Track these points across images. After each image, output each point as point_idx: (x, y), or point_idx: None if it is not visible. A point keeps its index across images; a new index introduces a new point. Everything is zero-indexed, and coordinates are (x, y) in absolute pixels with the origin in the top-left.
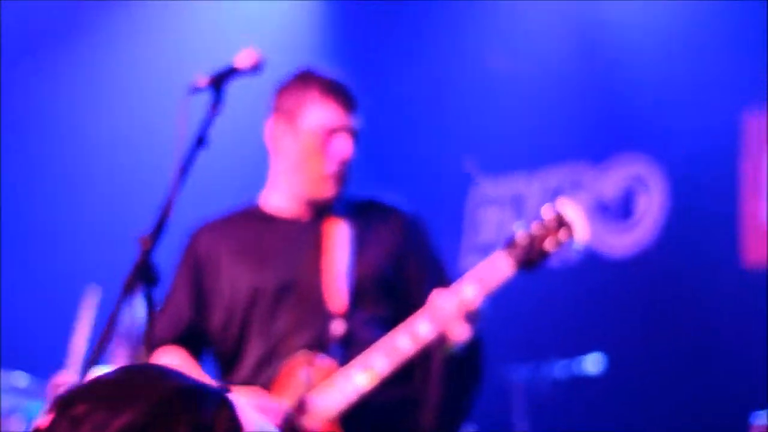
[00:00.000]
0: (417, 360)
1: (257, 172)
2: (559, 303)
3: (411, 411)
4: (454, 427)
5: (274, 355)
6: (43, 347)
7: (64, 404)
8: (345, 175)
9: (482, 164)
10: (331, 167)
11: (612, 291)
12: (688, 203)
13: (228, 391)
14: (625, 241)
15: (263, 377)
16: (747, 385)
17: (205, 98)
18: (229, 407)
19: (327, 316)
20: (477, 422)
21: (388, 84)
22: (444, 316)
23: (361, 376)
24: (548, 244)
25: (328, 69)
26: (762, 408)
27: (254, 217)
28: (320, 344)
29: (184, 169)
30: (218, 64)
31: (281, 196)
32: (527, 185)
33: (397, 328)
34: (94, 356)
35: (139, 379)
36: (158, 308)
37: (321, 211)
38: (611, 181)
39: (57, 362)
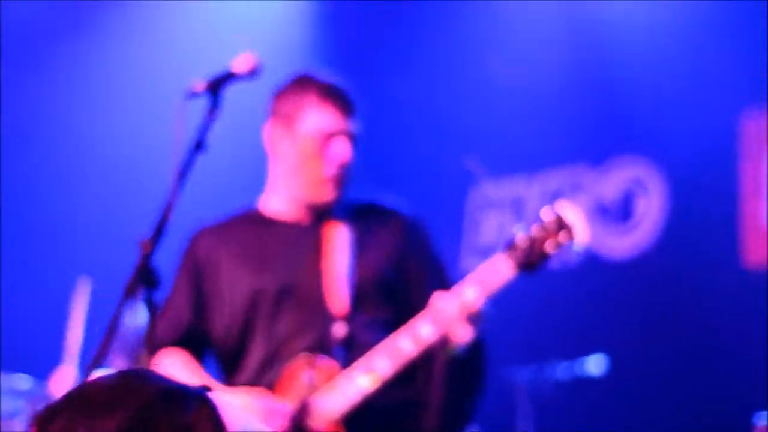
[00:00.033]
0: (419, 362)
1: (256, 175)
2: (561, 305)
3: (414, 413)
4: (457, 429)
5: (276, 358)
6: (40, 346)
7: (44, 420)
8: (344, 178)
9: (482, 166)
10: (330, 171)
11: (612, 293)
12: (687, 205)
13: (208, 390)
14: (625, 243)
15: (266, 380)
16: (748, 386)
17: (201, 102)
18: (209, 406)
19: (328, 319)
20: (480, 424)
21: (388, 86)
22: (446, 318)
23: (363, 379)
24: (548, 247)
25: (325, 73)
26: (764, 408)
27: (254, 221)
28: (322, 347)
29: (183, 173)
30: (215, 65)
31: (280, 200)
32: (527, 188)
33: (399, 330)
34: (96, 360)
35: (118, 387)
36: (158, 311)
37: (321, 214)
38: (611, 183)
39: (55, 359)
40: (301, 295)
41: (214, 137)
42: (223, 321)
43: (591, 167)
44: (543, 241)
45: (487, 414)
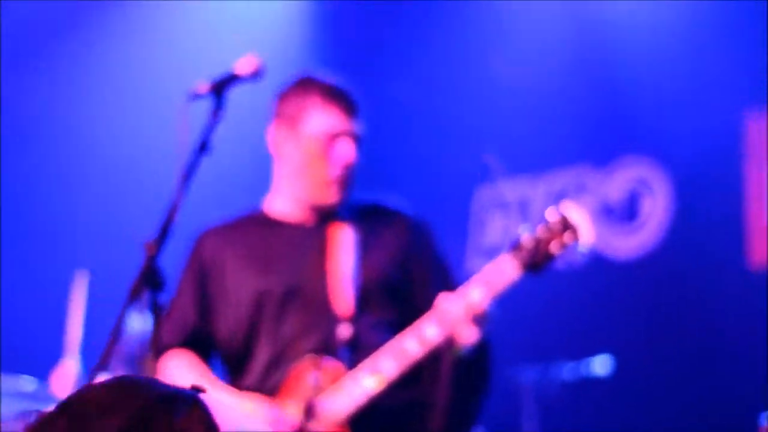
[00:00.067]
0: (425, 363)
1: (261, 177)
2: (566, 305)
3: (420, 414)
4: (462, 430)
5: (281, 359)
6: (40, 345)
7: (40, 427)
8: (349, 179)
9: (487, 168)
10: (334, 172)
11: (618, 293)
12: (692, 205)
13: (201, 392)
14: (630, 244)
15: (271, 381)
16: (754, 386)
17: (205, 103)
18: (201, 409)
19: (333, 320)
20: (486, 424)
21: (391, 86)
22: (451, 319)
23: (369, 380)
24: (553, 247)
25: (329, 74)
26: None
27: (259, 222)
28: (327, 348)
29: (188, 175)
30: (216, 65)
31: (285, 201)
32: (532, 188)
33: (404, 331)
34: (100, 364)
35: (111, 392)
36: (164, 313)
37: (325, 215)
38: (616, 183)
39: (55, 357)
40: (306, 296)
41: (218, 139)
42: (228, 322)
43: (596, 168)
44: (548, 241)
45: (493, 414)
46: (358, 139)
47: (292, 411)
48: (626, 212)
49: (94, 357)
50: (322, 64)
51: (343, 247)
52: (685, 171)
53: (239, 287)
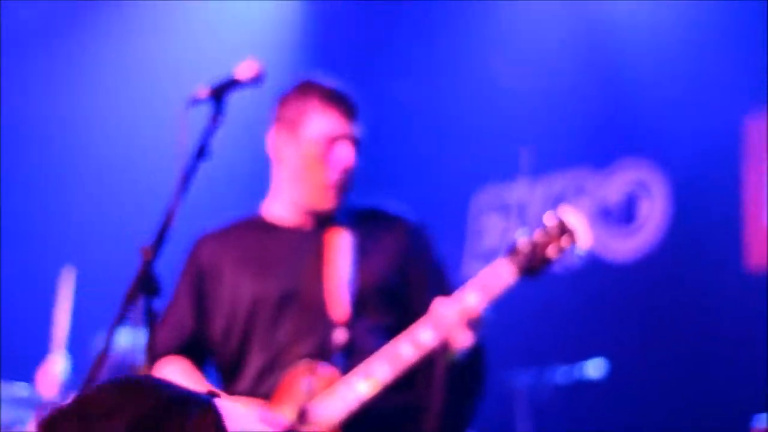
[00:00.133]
0: (420, 367)
1: (261, 182)
2: (562, 308)
3: (414, 417)
4: None
5: (276, 365)
6: (31, 350)
7: (48, 427)
8: (347, 183)
9: (485, 170)
10: (333, 176)
11: (615, 295)
12: (690, 207)
13: (215, 396)
14: (628, 246)
15: (265, 386)
16: (749, 389)
17: (204, 108)
18: (213, 413)
19: (329, 325)
20: (480, 427)
21: (389, 89)
22: (446, 323)
23: (363, 384)
24: (550, 251)
25: (328, 78)
26: (764, 411)
27: (256, 227)
28: (322, 353)
29: (186, 179)
30: (214, 66)
31: (283, 206)
32: (530, 192)
33: (399, 336)
34: (92, 374)
35: (123, 392)
36: (159, 319)
37: (323, 220)
38: (614, 186)
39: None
40: (302, 301)
41: (217, 143)
42: (223, 327)
43: (594, 170)
44: (545, 245)
45: (487, 418)
46: (357, 143)
47: (285, 414)
48: (624, 214)
49: (81, 354)
50: (320, 66)
51: (341, 251)
52: (683, 173)
53: (236, 291)
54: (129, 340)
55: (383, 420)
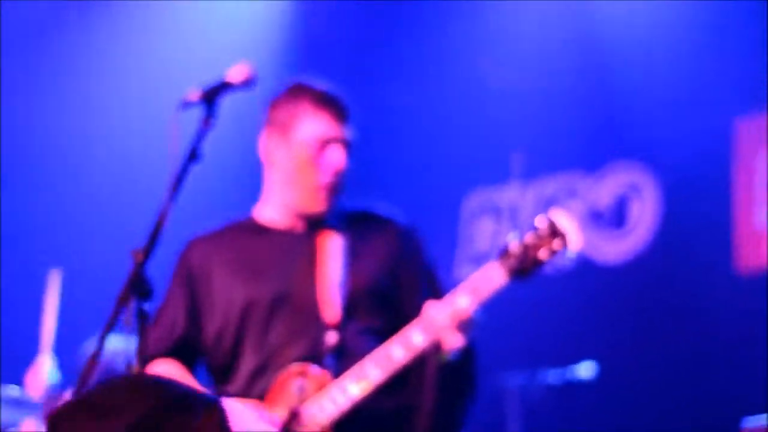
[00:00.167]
0: (411, 369)
1: (252, 185)
2: (553, 310)
3: (405, 419)
4: None
5: (267, 367)
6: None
7: (53, 424)
8: (339, 186)
9: (477, 174)
10: (325, 178)
11: (606, 297)
12: (681, 210)
13: (221, 396)
14: (619, 248)
15: (257, 389)
16: (740, 391)
17: (196, 111)
18: (218, 413)
19: (321, 328)
20: (472, 429)
21: (380, 92)
22: (437, 326)
23: (354, 386)
24: (542, 254)
25: (319, 80)
26: (755, 413)
27: (248, 229)
28: (314, 355)
29: (177, 182)
30: (208, 66)
31: (274, 209)
32: (522, 195)
33: (390, 339)
34: (84, 377)
35: (129, 390)
36: (150, 322)
37: (314, 223)
38: (605, 189)
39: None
40: (293, 303)
41: (208, 146)
42: (215, 329)
43: (585, 174)
44: (536, 248)
45: (478, 419)
46: (348, 146)
47: (275, 412)
48: (615, 217)
49: (68, 356)
50: (309, 68)
51: (332, 254)
52: (673, 176)
53: (227, 294)
54: (118, 344)
55: (375, 422)
